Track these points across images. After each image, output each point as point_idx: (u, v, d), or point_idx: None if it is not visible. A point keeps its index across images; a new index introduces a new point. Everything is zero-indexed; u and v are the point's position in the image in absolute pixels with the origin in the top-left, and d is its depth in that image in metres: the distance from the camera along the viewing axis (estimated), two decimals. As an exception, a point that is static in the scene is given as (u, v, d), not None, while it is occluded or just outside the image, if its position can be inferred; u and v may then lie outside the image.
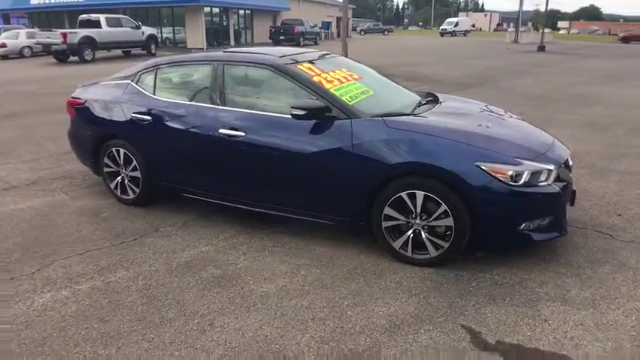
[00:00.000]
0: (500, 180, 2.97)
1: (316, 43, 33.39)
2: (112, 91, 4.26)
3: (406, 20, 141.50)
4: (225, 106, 3.66)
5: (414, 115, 3.51)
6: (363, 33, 63.32)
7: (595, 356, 2.38)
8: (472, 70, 16.36)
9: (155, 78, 4.09)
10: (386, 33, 65.79)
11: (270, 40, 30.07)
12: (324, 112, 3.26)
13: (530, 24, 63.33)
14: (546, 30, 36.41)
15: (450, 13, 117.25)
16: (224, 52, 4.02)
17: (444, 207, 3.04)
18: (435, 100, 4.10)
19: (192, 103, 3.80)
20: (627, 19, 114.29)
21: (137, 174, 4.11)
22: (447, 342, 2.48)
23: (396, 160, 3.10)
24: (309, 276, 3.12)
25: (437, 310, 2.76)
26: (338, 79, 3.63)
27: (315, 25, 34.77)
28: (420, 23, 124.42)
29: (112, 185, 4.32)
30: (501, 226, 3.08)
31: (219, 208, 3.95)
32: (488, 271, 3.17)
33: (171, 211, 4.15)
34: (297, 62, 3.66)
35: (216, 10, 29.45)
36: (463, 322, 2.64)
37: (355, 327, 2.59)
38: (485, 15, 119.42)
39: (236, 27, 31.87)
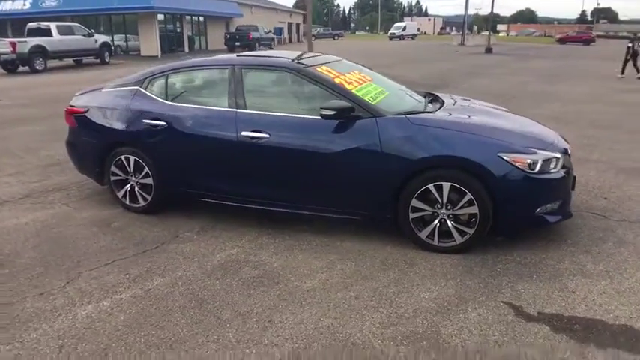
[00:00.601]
0: (519, 168, 3.22)
1: (271, 49, 33.45)
2: (118, 98, 4.18)
3: (352, 25, 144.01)
4: (245, 109, 3.69)
5: (429, 112, 3.71)
6: (313, 38, 63.77)
7: (625, 318, 2.64)
8: (431, 72, 17.03)
9: (166, 83, 4.05)
10: (336, 38, 66.84)
11: (226, 47, 29.80)
12: (350, 112, 3.38)
13: (475, 27, 66.24)
14: (487, 33, 38.36)
15: (395, 17, 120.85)
16: (238, 56, 4.06)
17: (469, 196, 3.24)
18: (437, 98, 4.32)
19: (210, 107, 3.81)
20: (560, 22, 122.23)
21: (149, 181, 4.05)
22: (494, 317, 2.67)
23: (423, 154, 3.28)
24: (347, 269, 3.23)
25: (475, 290, 2.95)
26: (356, 81, 3.77)
27: (270, 31, 34.82)
28: (367, 28, 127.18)
29: (120, 194, 4.22)
30: (521, 210, 3.33)
31: (232, 212, 3.98)
32: (508, 253, 3.40)
33: (183, 217, 4.11)
34: (316, 65, 3.76)
35: (169, 17, 28.85)
36: (503, 299, 2.84)
37: (408, 311, 2.73)
38: (429, 19, 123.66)
39: (190, 34, 31.36)
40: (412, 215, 3.40)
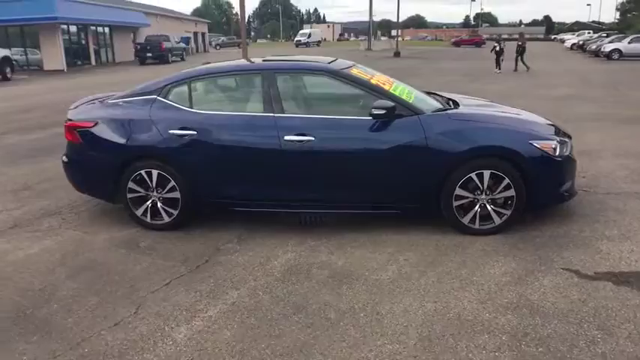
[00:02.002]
0: (547, 153, 3.63)
1: (183, 59, 32.34)
2: (133, 109, 3.92)
3: (252, 33, 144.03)
4: (283, 113, 3.69)
5: (456, 109, 4.00)
6: (218, 47, 62.94)
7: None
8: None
9: (189, 91, 3.89)
10: (240, 46, 66.34)
11: (137, 58, 28.24)
12: (394, 111, 3.55)
13: (379, 33, 69.65)
14: (384, 38, 40.89)
15: (295, 25, 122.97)
16: (264, 60, 4.01)
17: (506, 181, 3.57)
18: (441, 96, 4.64)
19: (245, 113, 3.74)
20: (448, 26, 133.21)
21: (175, 194, 3.84)
22: (564, 281, 3.01)
23: (467, 146, 3.56)
24: (410, 259, 3.39)
25: (533, 262, 3.28)
26: (386, 82, 3.94)
27: (181, 40, 33.65)
28: (269, 36, 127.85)
29: (139, 211, 3.94)
30: (549, 190, 3.75)
31: (258, 219, 3.97)
32: (537, 229, 3.79)
33: (211, 229, 3.95)
34: (347, 67, 3.87)
35: (73, 28, 26.58)
36: (559, 266, 3.21)
37: (491, 287, 2.98)
38: (329, 26, 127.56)
39: (96, 46, 29.15)
40: (455, 203, 3.66)
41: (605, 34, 39.84)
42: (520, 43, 19.28)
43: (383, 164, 3.63)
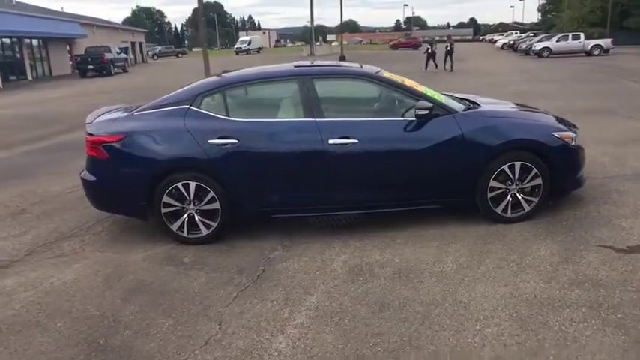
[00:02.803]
0: (566, 143, 3.94)
1: (126, 70, 31.14)
2: (166, 120, 3.80)
3: (186, 42, 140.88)
4: (324, 117, 3.74)
5: (482, 107, 4.22)
6: (155, 57, 61.13)
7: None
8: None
9: (224, 99, 3.83)
10: (180, 56, 64.90)
11: (76, 71, 26.76)
12: (433, 111, 3.72)
13: (320, 38, 70.40)
14: (317, 43, 41.68)
15: (231, 33, 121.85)
16: (296, 66, 4.03)
17: (534, 171, 3.84)
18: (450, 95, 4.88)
19: (286, 119, 3.75)
20: (381, 30, 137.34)
21: (214, 206, 3.77)
22: (605, 256, 3.32)
23: (500, 141, 3.80)
24: (461, 250, 3.56)
25: (571, 242, 3.57)
26: (415, 85, 4.09)
27: (121, 52, 32.30)
28: (205, 44, 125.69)
29: (175, 226, 3.82)
30: (570, 176, 4.07)
31: (290, 224, 3.97)
32: (560, 213, 4.10)
33: (249, 239, 3.91)
34: (378, 71, 3.99)
35: (6, 40, 24.68)
36: (595, 244, 3.51)
37: (547, 267, 3.23)
38: (264, 33, 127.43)
39: (31, 60, 27.18)
40: (490, 194, 3.88)
41: (532, 34, 42.92)
42: (448, 45, 20.99)
43: (424, 162, 3.78)
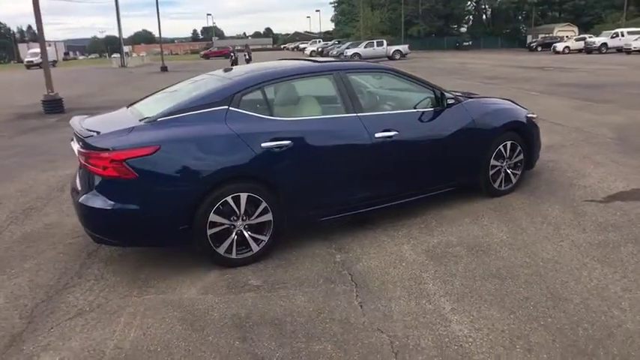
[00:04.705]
0: (534, 123, 4.76)
1: None
2: (204, 124, 3.25)
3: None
4: (363, 112, 3.72)
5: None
6: None
7: (620, 187, 4.63)
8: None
9: (265, 97, 3.46)
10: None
11: None
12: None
13: (129, 49, 64.07)
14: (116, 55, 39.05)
15: (9, 44, 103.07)
16: (324, 62, 3.86)
17: (519, 148, 4.55)
18: None
19: (333, 115, 3.60)
20: (181, 40, 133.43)
21: (266, 217, 3.40)
22: (595, 207, 4.17)
23: (499, 123, 4.39)
24: (493, 222, 4.00)
25: (563, 202, 4.35)
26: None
27: None
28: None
29: (223, 249, 3.32)
30: (536, 150, 4.89)
31: (319, 227, 3.88)
32: (530, 184, 4.90)
33: (296, 248, 3.66)
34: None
35: None
36: (581, 200, 4.37)
37: (570, 222, 3.90)
38: (50, 45, 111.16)
39: None
40: (491, 172, 4.43)
41: (337, 42, 47.56)
42: (246, 52, 23.45)
43: (449, 148, 4.11)
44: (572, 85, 13.63)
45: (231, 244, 3.34)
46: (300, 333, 2.60)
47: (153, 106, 3.72)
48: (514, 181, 4.62)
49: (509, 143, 4.45)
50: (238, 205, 3.29)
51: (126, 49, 45.17)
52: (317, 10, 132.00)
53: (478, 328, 2.57)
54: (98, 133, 3.19)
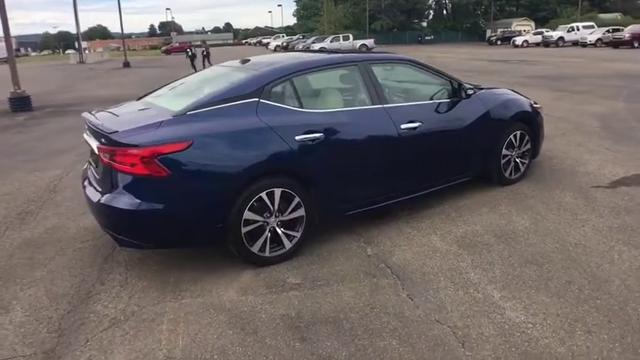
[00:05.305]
0: (538, 111, 4.88)
1: None
2: (236, 117, 3.13)
3: None
4: (387, 103, 3.70)
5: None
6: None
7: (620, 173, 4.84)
8: (137, 89, 16.08)
9: (294, 89, 3.37)
10: None
11: None
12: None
13: (87, 44, 61.31)
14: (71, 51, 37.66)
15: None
16: (346, 53, 3.80)
17: (527, 137, 4.65)
18: None
19: (362, 107, 3.57)
20: (138, 36, 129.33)
21: (299, 213, 3.32)
22: (603, 192, 4.33)
23: (511, 113, 4.48)
24: (511, 210, 4.08)
25: (572, 188, 4.50)
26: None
27: None
28: None
29: (257, 247, 3.22)
30: (541, 139, 5.00)
31: (351, 221, 3.84)
32: (536, 172, 5.03)
33: (323, 243, 3.62)
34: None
35: None
36: (588, 186, 4.53)
37: (585, 208, 4.03)
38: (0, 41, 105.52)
39: None
40: (502, 161, 4.51)
41: (302, 36, 47.31)
42: (204, 48, 22.67)
43: (468, 138, 4.17)
44: (542, 78, 14.13)
45: (264, 242, 3.24)
46: (359, 329, 2.56)
47: (172, 99, 3.56)
48: (522, 169, 4.73)
49: (518, 133, 4.55)
50: (272, 202, 3.20)
51: (84, 44, 43.40)
52: (279, 5, 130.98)
53: (534, 314, 2.61)
54: (124, 129, 3.01)
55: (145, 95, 4.03)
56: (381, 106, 3.67)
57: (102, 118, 3.33)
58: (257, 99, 3.24)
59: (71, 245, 3.84)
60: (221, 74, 3.84)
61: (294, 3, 75.97)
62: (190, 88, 3.86)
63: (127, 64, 31.05)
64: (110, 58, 46.17)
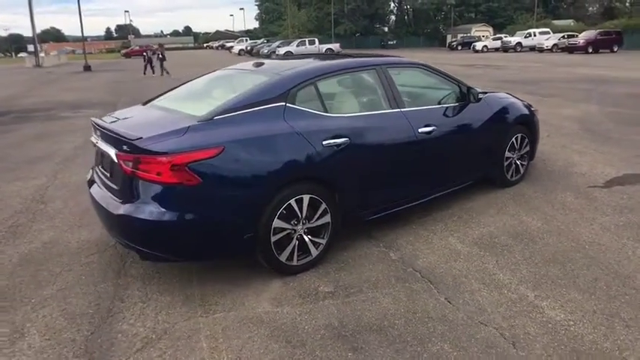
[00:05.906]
0: (534, 113, 5.05)
1: None
2: (264, 122, 3.05)
3: None
4: (404, 107, 3.73)
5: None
6: None
7: (613, 173, 5.06)
8: (131, 91, 15.53)
9: (318, 92, 3.33)
10: None
11: None
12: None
13: (41, 47, 58.38)
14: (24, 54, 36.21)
15: None
16: (357, 57, 3.79)
17: (527, 140, 4.81)
18: None
19: (382, 111, 3.59)
20: (93, 39, 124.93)
21: (326, 219, 3.28)
22: (600, 192, 4.53)
23: (513, 117, 4.62)
24: (519, 212, 4.18)
25: (571, 189, 4.68)
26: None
27: None
28: None
29: (284, 256, 3.15)
30: (537, 141, 5.17)
31: (355, 228, 3.80)
32: (531, 173, 5.19)
33: (346, 250, 3.60)
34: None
35: None
36: (585, 187, 4.72)
37: (589, 208, 4.20)
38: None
39: None
40: (505, 163, 4.64)
41: (266, 40, 47.05)
42: (160, 52, 23.12)
43: (478, 141, 4.28)
44: (511, 82, 14.64)
45: (292, 251, 3.19)
46: (408, 336, 2.55)
47: (190, 104, 3.45)
48: (522, 171, 4.88)
49: (519, 135, 4.69)
50: (300, 208, 3.14)
51: (31, 48, 41.53)
52: (241, 9, 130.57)
53: (571, 311, 2.69)
54: (149, 135, 2.88)
55: (152, 100, 3.89)
56: (399, 110, 3.70)
57: (118, 124, 3.18)
58: (284, 103, 3.19)
59: (76, 260, 3.64)
60: (235, 77, 3.76)
61: (256, 7, 75.67)
62: (205, 92, 3.76)
63: (87, 68, 29.99)
64: (68, 62, 44.36)
